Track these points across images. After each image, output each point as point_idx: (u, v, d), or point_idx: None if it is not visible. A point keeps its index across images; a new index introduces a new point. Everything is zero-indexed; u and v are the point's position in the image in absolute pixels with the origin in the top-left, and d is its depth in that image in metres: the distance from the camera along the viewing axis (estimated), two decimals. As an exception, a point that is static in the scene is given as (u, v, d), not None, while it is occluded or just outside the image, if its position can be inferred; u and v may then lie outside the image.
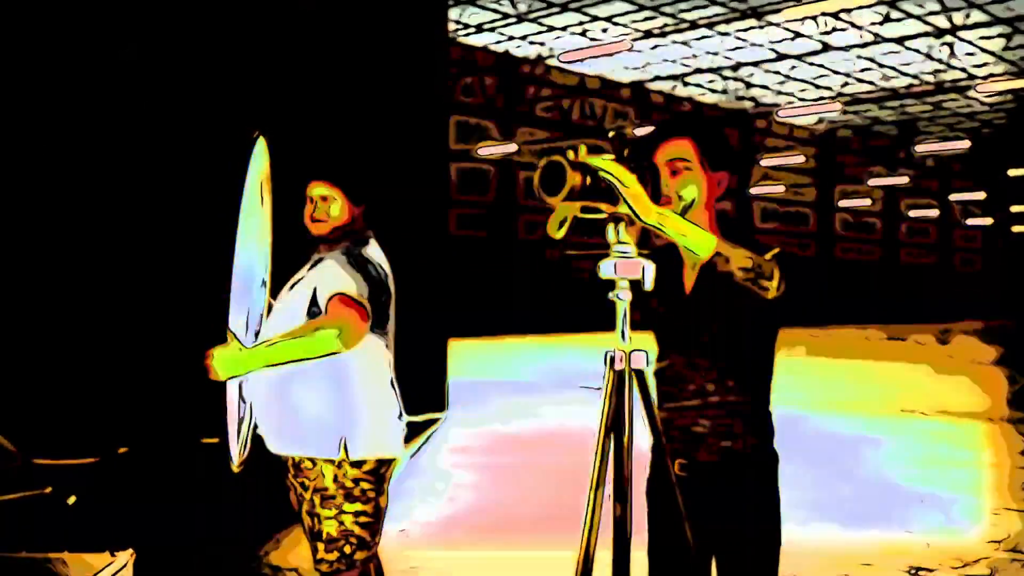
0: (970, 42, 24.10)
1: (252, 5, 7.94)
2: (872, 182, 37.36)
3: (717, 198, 2.37)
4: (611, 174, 1.98)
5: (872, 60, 26.08)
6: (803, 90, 29.87)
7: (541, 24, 23.40)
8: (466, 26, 23.40)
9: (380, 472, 2.74)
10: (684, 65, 27.08)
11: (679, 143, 2.32)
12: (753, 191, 33.45)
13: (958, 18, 22.05)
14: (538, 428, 9.03)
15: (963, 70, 26.75)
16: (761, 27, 23.14)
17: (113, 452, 6.95)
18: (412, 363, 4.03)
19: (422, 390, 8.74)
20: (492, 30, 23.94)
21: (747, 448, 2.32)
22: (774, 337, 2.37)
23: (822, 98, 30.26)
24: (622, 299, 2.03)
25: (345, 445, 2.67)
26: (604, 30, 23.60)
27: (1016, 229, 41.44)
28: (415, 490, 6.20)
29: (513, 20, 23.08)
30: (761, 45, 24.78)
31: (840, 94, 29.88)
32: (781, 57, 25.66)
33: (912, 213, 40.21)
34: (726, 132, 2.35)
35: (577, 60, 25.01)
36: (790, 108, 28.50)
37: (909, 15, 21.88)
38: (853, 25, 22.59)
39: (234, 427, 2.74)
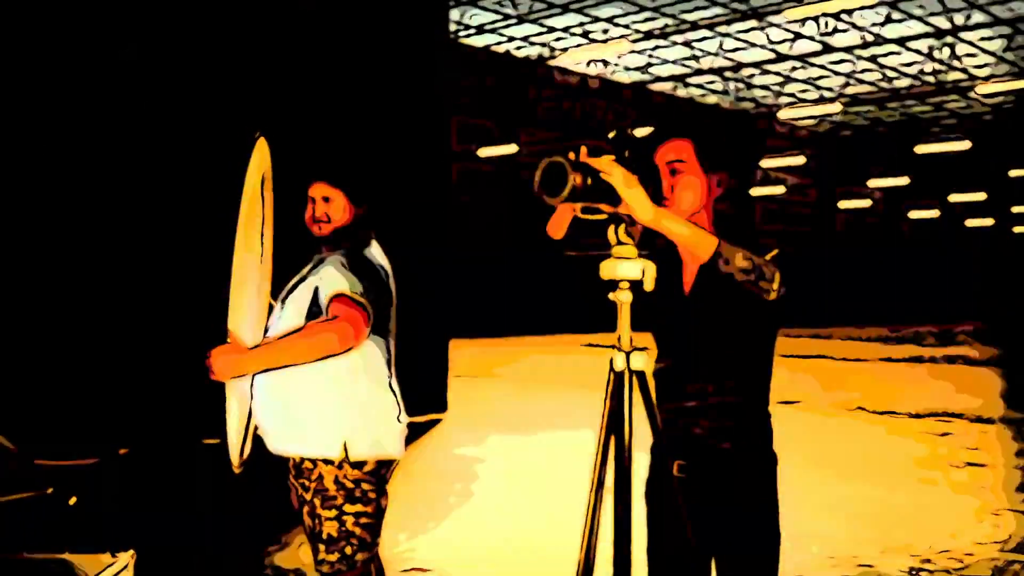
0: (971, 43, 24.10)
1: (253, 6, 7.94)
2: (872, 183, 37.36)
3: (717, 198, 2.37)
4: (611, 175, 1.98)
5: (873, 61, 26.07)
6: (804, 91, 29.86)
7: (542, 25, 23.40)
8: (467, 27, 23.40)
9: (381, 473, 2.74)
10: (685, 66, 27.08)
11: (678, 144, 2.32)
12: (753, 192, 33.45)
13: (959, 19, 22.05)
14: (538, 429, 9.03)
15: (964, 71, 26.75)
16: (762, 28, 23.14)
17: (114, 453, 6.96)
18: (412, 363, 4.04)
19: (422, 390, 8.74)
20: (493, 31, 23.94)
21: (746, 449, 2.32)
22: (773, 338, 2.38)
23: (823, 99, 30.25)
24: (623, 299, 2.03)
25: (346, 446, 2.67)
26: (605, 31, 23.61)
27: (1017, 230, 41.41)
28: (416, 491, 6.20)
29: (514, 21, 23.08)
30: (762, 46, 24.78)
31: (841, 95, 29.88)
32: (782, 58, 25.65)
33: (912, 214, 40.20)
34: (726, 133, 2.35)
35: (578, 61, 25.05)
36: (791, 109, 28.50)
37: (910, 16, 21.88)
38: (854, 26, 22.59)
39: (234, 428, 2.74)
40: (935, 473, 7.04)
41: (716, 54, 25.43)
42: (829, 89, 29.53)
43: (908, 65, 26.49)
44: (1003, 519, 5.58)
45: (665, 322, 2.42)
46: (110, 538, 2.96)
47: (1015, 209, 39.19)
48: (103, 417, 6.93)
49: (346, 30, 8.54)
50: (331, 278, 2.66)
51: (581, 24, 23.22)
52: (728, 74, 27.73)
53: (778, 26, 22.75)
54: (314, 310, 2.68)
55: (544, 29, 23.78)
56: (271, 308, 2.87)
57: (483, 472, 7.02)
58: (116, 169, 7.18)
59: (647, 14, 22.17)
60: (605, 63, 26.90)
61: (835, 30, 23.13)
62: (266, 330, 2.81)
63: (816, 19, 22.21)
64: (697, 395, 2.32)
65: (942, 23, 22.43)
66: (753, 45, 24.73)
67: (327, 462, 2.69)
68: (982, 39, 23.81)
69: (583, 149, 1.98)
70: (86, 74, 7.09)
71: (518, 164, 26.08)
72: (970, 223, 41.24)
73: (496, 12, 22.48)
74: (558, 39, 24.66)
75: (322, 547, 2.72)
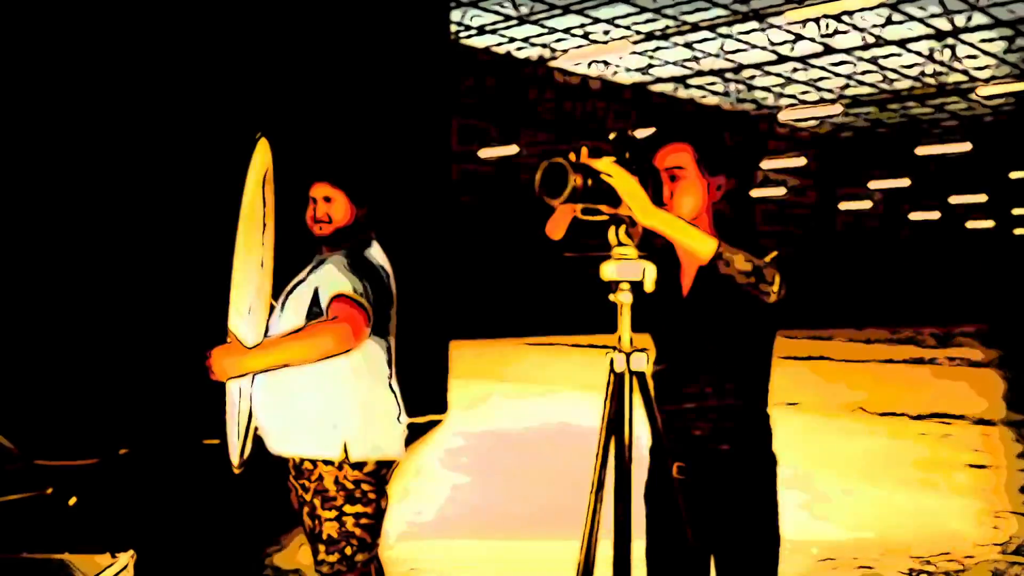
0: (972, 45, 24.09)
1: (255, 6, 7.94)
2: (873, 184, 37.35)
3: (716, 201, 2.36)
4: (612, 176, 1.98)
5: (874, 62, 26.07)
6: (805, 92, 29.86)
7: (543, 26, 23.40)
8: (468, 28, 23.40)
9: (381, 474, 2.74)
10: (685, 67, 27.07)
11: (677, 149, 2.31)
12: (754, 194, 33.45)
13: (960, 20, 22.05)
14: (539, 430, 9.02)
15: (965, 72, 26.74)
16: (763, 29, 23.15)
17: (114, 453, 6.96)
18: (413, 364, 4.03)
19: (423, 391, 8.74)
20: (494, 32, 23.93)
21: (745, 450, 2.31)
22: (772, 339, 2.37)
23: (823, 100, 30.25)
24: (623, 301, 2.03)
25: (346, 447, 2.67)
26: (606, 32, 23.61)
27: (1018, 232, 41.40)
28: (416, 491, 6.20)
29: (515, 22, 23.08)
30: (763, 47, 24.78)
31: (842, 96, 29.88)
32: (783, 59, 25.65)
33: (913, 216, 40.18)
34: (726, 135, 2.35)
35: (579, 62, 25.06)
36: (792, 110, 28.50)
37: (911, 17, 21.87)
38: (855, 27, 22.59)
39: (234, 428, 2.74)
40: (936, 475, 7.03)
41: (717, 55, 25.44)
42: (830, 91, 29.53)
43: (909, 67, 26.49)
44: (1004, 521, 5.58)
45: (662, 324, 2.41)
46: (110, 538, 2.96)
47: (1016, 211, 39.19)
48: (103, 417, 6.93)
49: (347, 31, 8.54)
50: (332, 278, 2.65)
51: (582, 25, 23.22)
52: (729, 75, 27.73)
53: (779, 28, 22.75)
54: (315, 310, 2.68)
55: (545, 30, 23.78)
56: (272, 308, 2.87)
57: (483, 474, 7.02)
58: (117, 169, 7.18)
59: (648, 15, 22.17)
60: (606, 64, 26.91)
61: (836, 32, 23.13)
62: (266, 330, 2.81)
63: (817, 21, 22.21)
64: (696, 397, 2.32)
65: (943, 25, 22.43)
66: (754, 47, 24.73)
67: (327, 463, 2.69)
68: (983, 41, 23.81)
69: (584, 150, 1.98)
70: (86, 74, 7.10)
71: (519, 165, 26.09)
72: (971, 225, 41.24)
73: (497, 13, 22.48)
74: (559, 40, 24.66)
75: (322, 548, 2.72)
